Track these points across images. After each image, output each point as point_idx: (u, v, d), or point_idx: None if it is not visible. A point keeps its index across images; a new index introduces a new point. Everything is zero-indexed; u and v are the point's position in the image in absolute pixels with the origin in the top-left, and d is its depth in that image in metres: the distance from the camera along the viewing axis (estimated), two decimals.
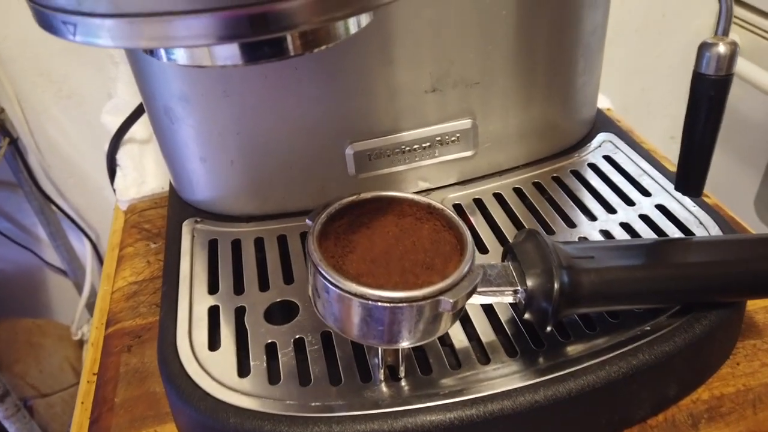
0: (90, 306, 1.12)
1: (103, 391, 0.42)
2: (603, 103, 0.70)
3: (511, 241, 0.38)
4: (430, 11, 0.42)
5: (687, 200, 0.46)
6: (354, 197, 0.36)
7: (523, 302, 0.35)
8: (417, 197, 0.36)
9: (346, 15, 0.24)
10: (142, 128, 0.66)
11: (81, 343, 1.14)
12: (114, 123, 0.66)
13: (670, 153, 0.49)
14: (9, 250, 1.08)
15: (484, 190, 0.50)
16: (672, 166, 0.52)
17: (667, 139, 1.18)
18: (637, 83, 1.22)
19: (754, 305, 0.45)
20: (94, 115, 0.92)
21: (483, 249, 0.45)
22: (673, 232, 0.44)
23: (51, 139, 0.99)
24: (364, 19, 0.27)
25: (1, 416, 0.82)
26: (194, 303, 0.41)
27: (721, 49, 0.35)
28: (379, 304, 0.30)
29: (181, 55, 0.25)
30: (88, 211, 1.07)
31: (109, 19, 0.21)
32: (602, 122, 0.57)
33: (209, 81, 0.41)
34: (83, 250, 1.11)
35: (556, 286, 0.34)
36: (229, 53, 0.25)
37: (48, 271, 1.14)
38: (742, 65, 0.99)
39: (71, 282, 1.15)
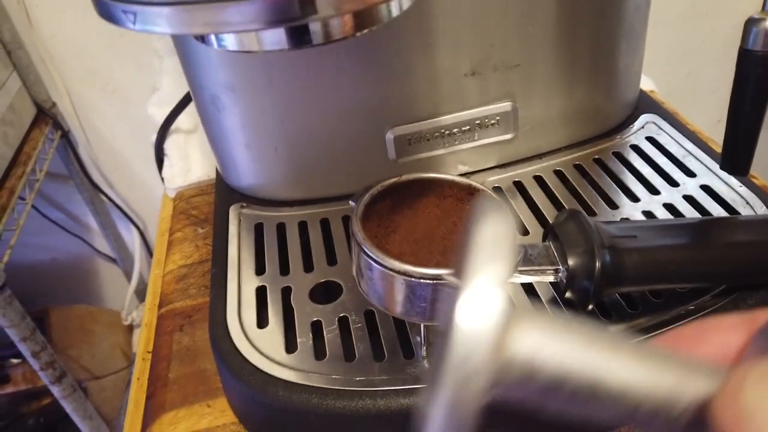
0: (138, 293, 1.16)
1: (157, 369, 0.44)
2: (647, 85, 0.69)
3: (551, 222, 0.38)
4: None
5: (733, 180, 0.46)
6: (396, 179, 0.37)
7: (564, 281, 0.35)
8: (458, 178, 0.37)
9: None
10: (186, 119, 0.68)
11: (131, 329, 1.19)
12: (160, 114, 0.68)
13: (717, 137, 0.48)
14: (61, 240, 1.13)
15: (524, 172, 0.50)
16: (718, 148, 0.51)
17: (713, 123, 1.15)
18: (683, 67, 1.19)
19: None
20: (137, 110, 0.95)
21: (523, 231, 0.45)
22: (719, 213, 0.43)
23: (98, 132, 1.03)
24: (406, 1, 0.28)
25: (58, 396, 0.86)
26: (242, 284, 0.43)
27: None
28: (422, 281, 0.31)
29: (230, 42, 0.26)
30: (134, 202, 1.11)
31: (166, 8, 0.22)
32: (645, 104, 0.56)
33: (254, 70, 0.43)
34: (131, 239, 1.15)
35: (597, 265, 0.34)
36: (276, 38, 0.26)
37: (98, 259, 1.19)
38: None
39: (120, 270, 1.19)
